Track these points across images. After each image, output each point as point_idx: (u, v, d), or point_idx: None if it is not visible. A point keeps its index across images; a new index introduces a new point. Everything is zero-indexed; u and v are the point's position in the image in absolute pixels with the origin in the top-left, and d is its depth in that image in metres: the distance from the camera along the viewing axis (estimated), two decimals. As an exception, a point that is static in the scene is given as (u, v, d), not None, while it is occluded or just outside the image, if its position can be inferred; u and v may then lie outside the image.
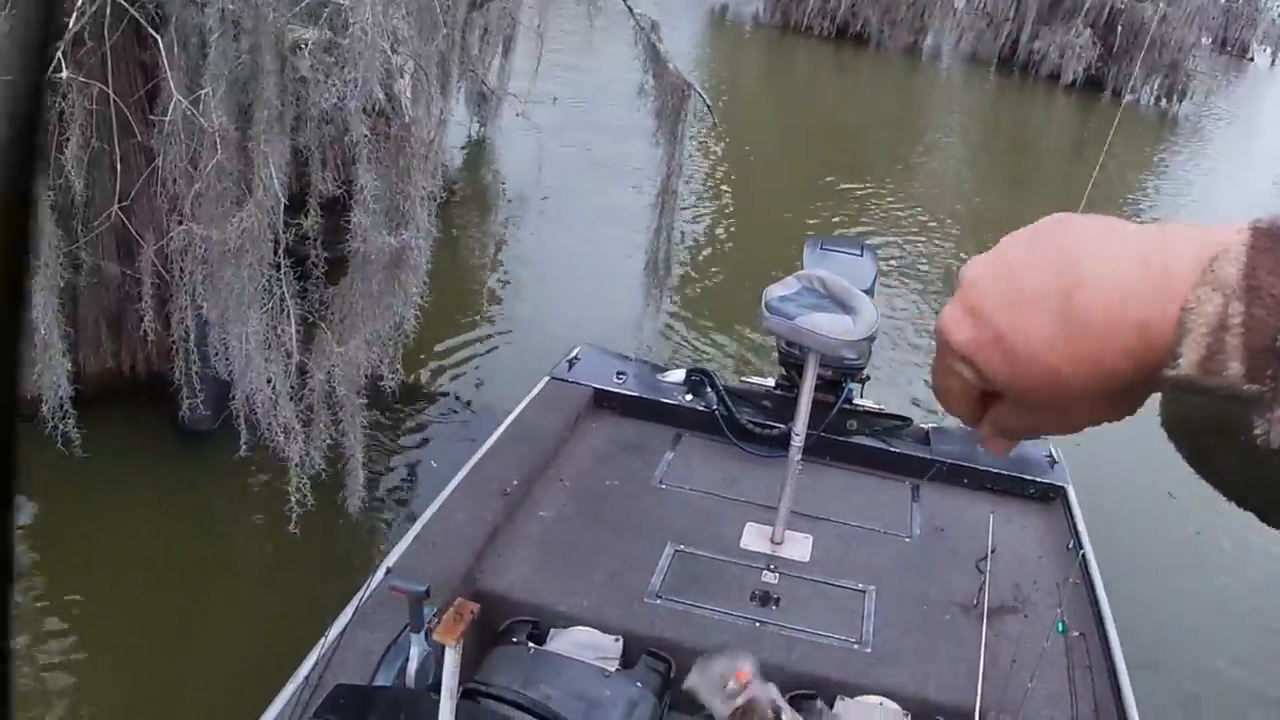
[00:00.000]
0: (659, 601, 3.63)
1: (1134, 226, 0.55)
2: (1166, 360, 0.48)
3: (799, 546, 4.06)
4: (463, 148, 11.31)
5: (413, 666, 2.73)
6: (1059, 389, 0.54)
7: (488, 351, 7.83)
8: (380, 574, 3.38)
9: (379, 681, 2.86)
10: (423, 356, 7.27)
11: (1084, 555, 4.04)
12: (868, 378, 4.87)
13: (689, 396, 4.83)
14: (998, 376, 0.57)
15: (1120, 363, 0.52)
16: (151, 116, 4.97)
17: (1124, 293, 0.51)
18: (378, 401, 5.64)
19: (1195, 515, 6.90)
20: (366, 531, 5.63)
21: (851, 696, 3.40)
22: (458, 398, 7.08)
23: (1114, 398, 0.55)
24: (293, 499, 4.73)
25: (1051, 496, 4.59)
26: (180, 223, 4.67)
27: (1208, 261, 0.48)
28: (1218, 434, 0.46)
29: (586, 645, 3.45)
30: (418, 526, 3.72)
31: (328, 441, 5.04)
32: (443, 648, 2.02)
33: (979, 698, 3.30)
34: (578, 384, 4.82)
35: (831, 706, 3.37)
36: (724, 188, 12.40)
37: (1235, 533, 6.91)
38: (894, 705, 3.40)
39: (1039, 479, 4.62)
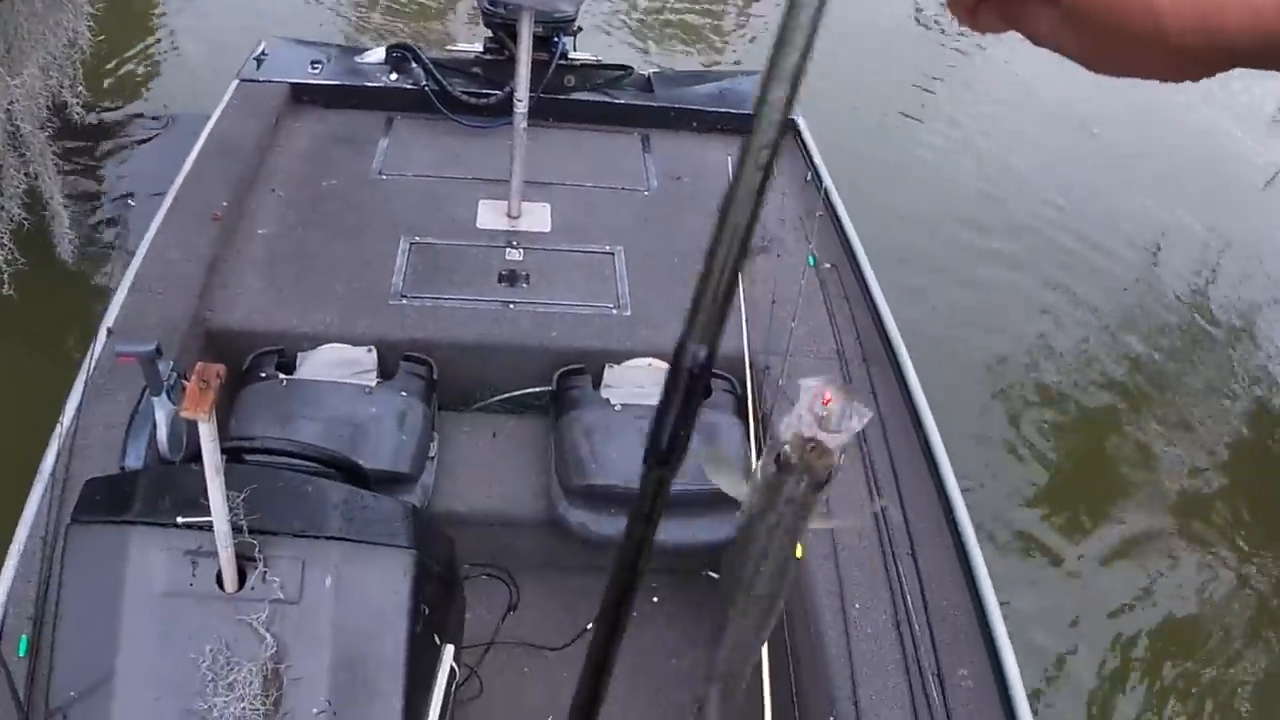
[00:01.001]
0: (405, 301, 3.44)
1: None
2: None
3: (537, 217, 3.91)
4: None
5: (163, 433, 2.48)
6: (1145, 30, 0.45)
7: (172, 57, 7.04)
8: (102, 338, 3.05)
9: (130, 458, 2.61)
10: (106, 75, 6.49)
11: (825, 187, 4.06)
12: (579, 29, 4.59)
13: (394, 76, 4.45)
14: None
15: (1243, 19, 0.42)
16: None
17: None
18: (68, 133, 5.01)
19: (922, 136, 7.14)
20: (86, 282, 5.12)
21: (619, 363, 3.37)
22: (150, 115, 6.34)
23: (1197, 59, 0.45)
24: (-1, 259, 4.22)
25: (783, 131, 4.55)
26: None
27: None
28: None
29: (339, 363, 3.27)
30: (130, 275, 3.33)
31: (22, 187, 4.47)
32: (194, 422, 1.80)
33: (745, 341, 3.33)
34: (270, 82, 4.36)
35: (600, 377, 3.35)
36: None
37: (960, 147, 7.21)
38: (662, 363, 3.40)
39: None
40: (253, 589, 2.04)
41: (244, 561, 2.05)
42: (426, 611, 2.11)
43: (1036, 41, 0.52)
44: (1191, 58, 0.45)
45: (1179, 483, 4.97)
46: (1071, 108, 7.55)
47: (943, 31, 8.46)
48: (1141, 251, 6.57)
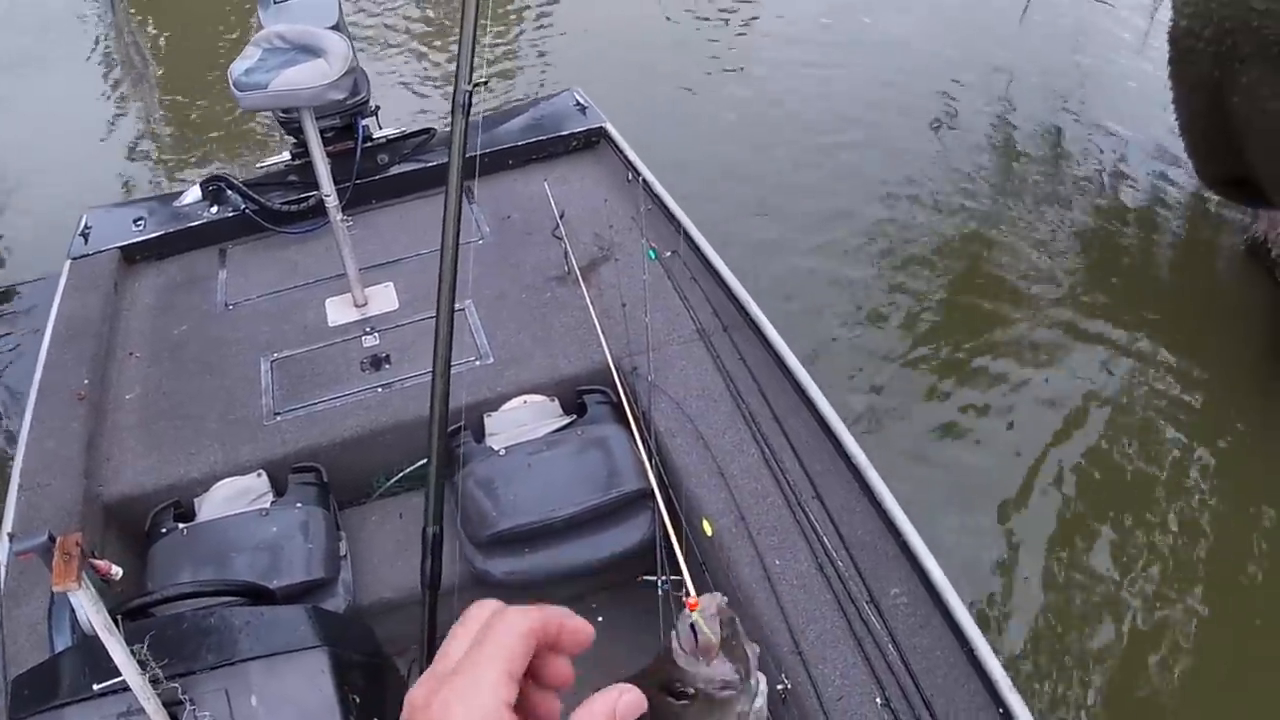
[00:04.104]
0: (279, 418, 3.51)
1: None
2: None
3: (383, 298, 3.99)
4: None
5: (82, 615, 2.53)
6: None
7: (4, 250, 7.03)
8: (4, 543, 3.08)
9: (57, 646, 2.66)
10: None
11: (644, 180, 4.19)
12: (377, 108, 4.68)
13: (214, 209, 4.51)
14: None
15: None
16: None
17: None
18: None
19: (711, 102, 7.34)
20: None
21: (495, 409, 3.46)
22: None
23: None
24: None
25: (595, 140, 4.69)
26: None
27: None
28: None
29: (234, 496, 3.32)
30: (15, 476, 3.37)
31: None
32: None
33: (606, 350, 3.44)
34: (101, 251, 4.40)
35: (483, 429, 3.43)
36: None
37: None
38: (537, 397, 3.49)
39: (577, 130, 4.70)
40: None
41: (173, 708, 2.11)
42: (357, 700, 2.18)
43: None
44: None
45: (1047, 310, 5.28)
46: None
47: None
48: (938, 104, 7.00)
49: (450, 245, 1.89)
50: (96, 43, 9.37)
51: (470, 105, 2.60)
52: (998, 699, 2.41)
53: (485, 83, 2.79)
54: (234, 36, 8.93)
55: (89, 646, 2.38)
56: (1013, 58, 7.48)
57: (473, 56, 2.64)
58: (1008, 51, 7.56)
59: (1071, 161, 6.45)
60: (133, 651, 1.99)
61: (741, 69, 7.78)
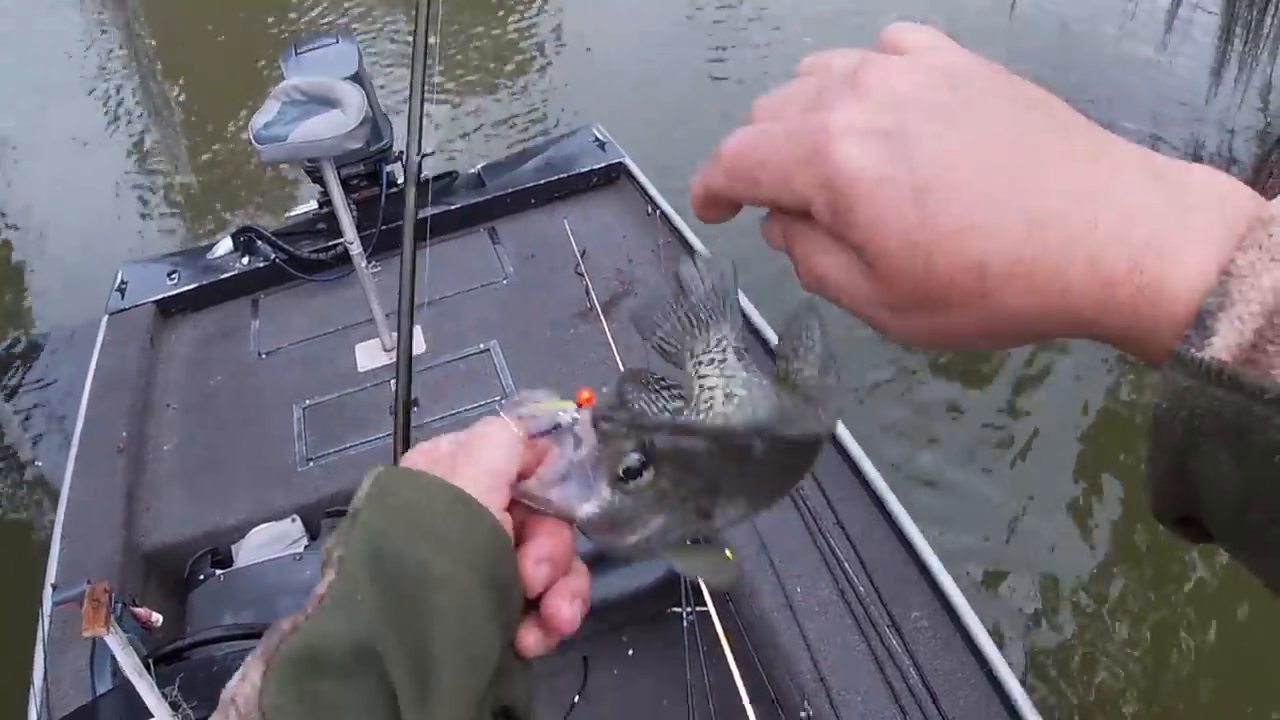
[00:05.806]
0: (312, 464, 3.57)
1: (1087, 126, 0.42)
2: (1185, 331, 0.38)
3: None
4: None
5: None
6: (983, 326, 0.42)
7: (42, 308, 7.16)
8: (49, 594, 3.16)
9: (99, 691, 2.72)
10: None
11: (662, 213, 4.23)
12: (401, 153, 4.76)
13: (245, 260, 4.60)
14: (897, 280, 0.42)
15: (1093, 314, 0.40)
16: None
17: (1131, 227, 0.38)
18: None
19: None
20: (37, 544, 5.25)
21: None
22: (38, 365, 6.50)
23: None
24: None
25: (615, 176, 4.73)
26: None
27: (1251, 218, 0.37)
28: (1237, 435, 0.38)
29: (269, 541, 3.39)
30: (58, 529, 3.46)
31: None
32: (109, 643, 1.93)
33: None
34: (137, 306, 4.50)
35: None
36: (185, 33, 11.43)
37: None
38: None
39: (597, 166, 4.74)
40: None
41: (205, 748, 2.16)
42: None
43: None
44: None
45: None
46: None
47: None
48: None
49: (406, 312, 1.72)
50: (122, 95, 9.56)
51: (420, 174, 2.71)
52: (1018, 719, 2.41)
53: (432, 153, 2.92)
54: (262, 77, 9.06)
55: (126, 690, 2.44)
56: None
57: (420, 128, 2.72)
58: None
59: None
60: (164, 694, 2.04)
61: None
